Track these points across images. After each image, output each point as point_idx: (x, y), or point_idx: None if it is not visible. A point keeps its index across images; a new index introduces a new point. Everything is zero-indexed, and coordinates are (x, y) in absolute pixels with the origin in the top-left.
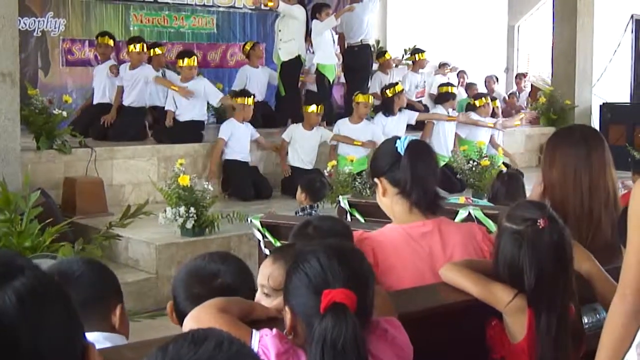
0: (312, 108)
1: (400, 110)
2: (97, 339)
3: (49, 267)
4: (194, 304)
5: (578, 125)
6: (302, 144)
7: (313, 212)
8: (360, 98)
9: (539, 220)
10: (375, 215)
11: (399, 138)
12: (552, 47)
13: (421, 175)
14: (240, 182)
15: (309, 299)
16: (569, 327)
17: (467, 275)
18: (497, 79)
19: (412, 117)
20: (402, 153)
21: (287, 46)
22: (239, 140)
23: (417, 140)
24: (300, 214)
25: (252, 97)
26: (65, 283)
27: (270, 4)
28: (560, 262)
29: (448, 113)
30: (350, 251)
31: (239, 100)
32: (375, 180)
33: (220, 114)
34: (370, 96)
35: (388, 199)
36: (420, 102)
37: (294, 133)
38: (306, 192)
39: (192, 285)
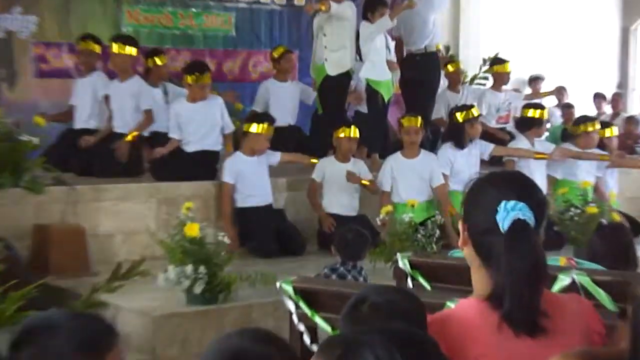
0: (343, 132)
1: (471, 141)
2: None
3: (25, 320)
4: None
5: None
6: (339, 183)
7: (347, 272)
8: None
9: None
10: (447, 280)
11: (507, 202)
12: None
13: (520, 283)
14: (260, 234)
15: None
16: None
17: None
18: (605, 97)
19: (486, 150)
20: (502, 229)
21: (337, 57)
22: (251, 179)
23: (525, 223)
24: (327, 273)
25: (268, 122)
26: (40, 337)
27: (322, 8)
28: None
29: (533, 145)
30: (419, 343)
31: (249, 127)
32: (460, 222)
33: (239, 142)
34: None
35: (467, 252)
36: (503, 129)
37: (326, 169)
38: (336, 247)
39: None
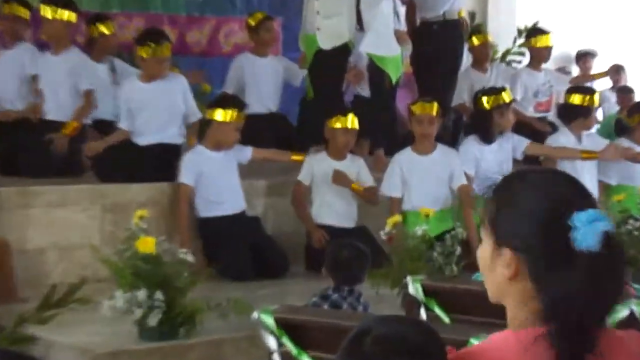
0: (339, 121)
1: (501, 134)
2: None
3: None
4: None
5: None
6: (332, 186)
7: (342, 300)
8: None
9: None
10: (471, 311)
11: (582, 211)
12: None
13: (590, 315)
14: (231, 251)
15: None
16: None
17: None
18: None
19: (520, 146)
20: (579, 248)
21: (332, 25)
22: (217, 181)
23: (614, 238)
24: (317, 302)
25: (238, 107)
26: None
27: None
28: None
29: (579, 139)
30: None
31: (213, 113)
32: (500, 247)
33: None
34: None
35: (519, 287)
36: (543, 119)
37: (316, 169)
38: (327, 268)
39: None
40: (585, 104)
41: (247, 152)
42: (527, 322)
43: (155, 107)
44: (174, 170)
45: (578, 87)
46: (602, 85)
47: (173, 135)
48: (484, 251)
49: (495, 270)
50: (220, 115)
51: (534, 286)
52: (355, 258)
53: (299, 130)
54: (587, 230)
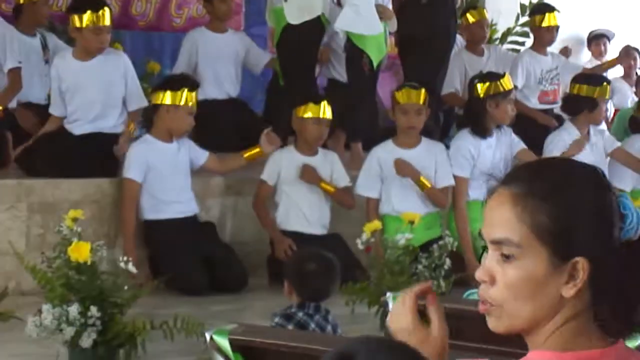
0: (309, 110)
1: (499, 128)
2: None
3: None
4: None
5: None
6: (301, 186)
7: (309, 319)
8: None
9: None
10: (462, 335)
11: (624, 197)
12: None
13: None
14: (181, 260)
15: None
16: None
17: None
18: None
19: (516, 147)
20: (629, 236)
21: None
22: (167, 177)
23: None
24: (280, 323)
25: (189, 88)
26: None
27: None
28: None
29: (587, 136)
30: None
31: (161, 96)
32: (564, 260)
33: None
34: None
35: (576, 302)
36: (550, 111)
37: (283, 166)
38: (290, 282)
39: None
40: (593, 95)
41: (201, 156)
42: (575, 342)
43: (92, 89)
44: (114, 163)
45: (585, 75)
46: (614, 73)
47: (113, 123)
48: (530, 272)
49: (545, 291)
50: (169, 98)
51: (591, 294)
52: (323, 271)
53: (266, 121)
54: (637, 216)
